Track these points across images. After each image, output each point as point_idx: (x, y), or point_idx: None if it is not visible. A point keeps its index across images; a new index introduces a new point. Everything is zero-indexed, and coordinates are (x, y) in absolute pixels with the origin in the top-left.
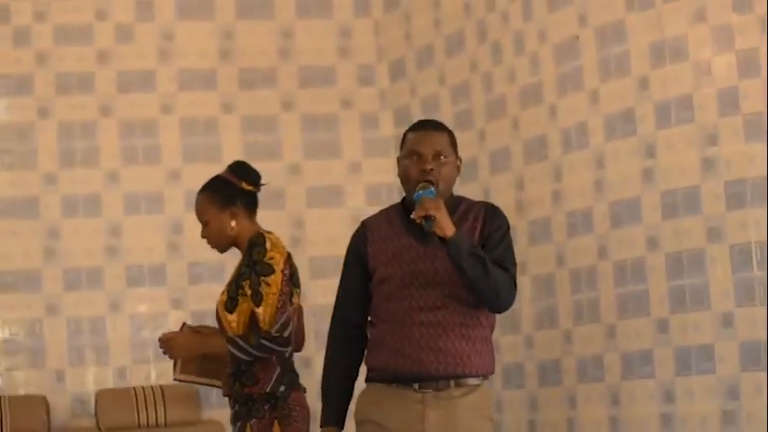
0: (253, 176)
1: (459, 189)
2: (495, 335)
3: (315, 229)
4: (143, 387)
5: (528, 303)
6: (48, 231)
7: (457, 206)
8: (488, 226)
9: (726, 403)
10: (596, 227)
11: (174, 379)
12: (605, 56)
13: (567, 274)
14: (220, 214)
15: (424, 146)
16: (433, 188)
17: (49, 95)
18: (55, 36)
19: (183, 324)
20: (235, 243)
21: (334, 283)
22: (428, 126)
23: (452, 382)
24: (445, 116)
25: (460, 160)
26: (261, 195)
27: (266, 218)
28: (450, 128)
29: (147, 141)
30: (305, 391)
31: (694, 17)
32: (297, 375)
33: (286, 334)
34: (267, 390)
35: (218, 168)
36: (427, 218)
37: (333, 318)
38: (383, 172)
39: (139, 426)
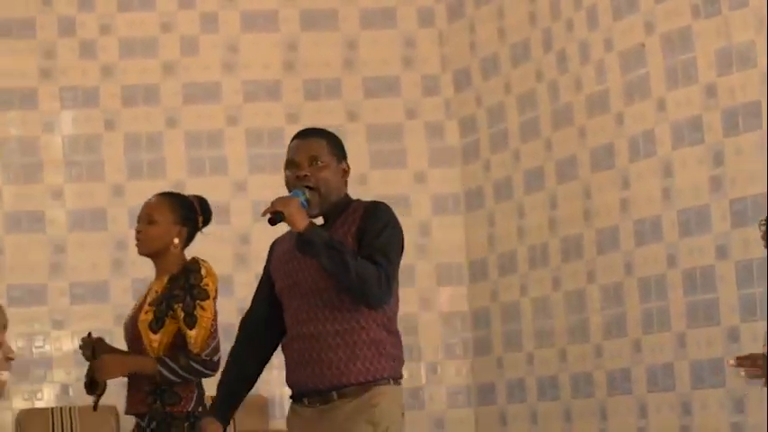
0: (208, 218)
1: (524, 198)
2: (566, 344)
3: None
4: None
5: (597, 313)
6: (115, 243)
7: (346, 208)
8: (364, 223)
9: None
10: (665, 235)
11: (96, 403)
12: (672, 63)
13: (635, 282)
14: (172, 225)
15: (299, 153)
16: (301, 191)
17: (115, 107)
18: (120, 49)
19: (90, 333)
20: (158, 256)
21: (401, 292)
22: (304, 134)
23: (335, 393)
24: (511, 125)
25: (347, 164)
26: None
27: None
28: (517, 137)
29: (212, 153)
30: None
31: (761, 24)
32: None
33: (216, 358)
34: (189, 409)
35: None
36: (275, 214)
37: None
38: (449, 181)
39: None
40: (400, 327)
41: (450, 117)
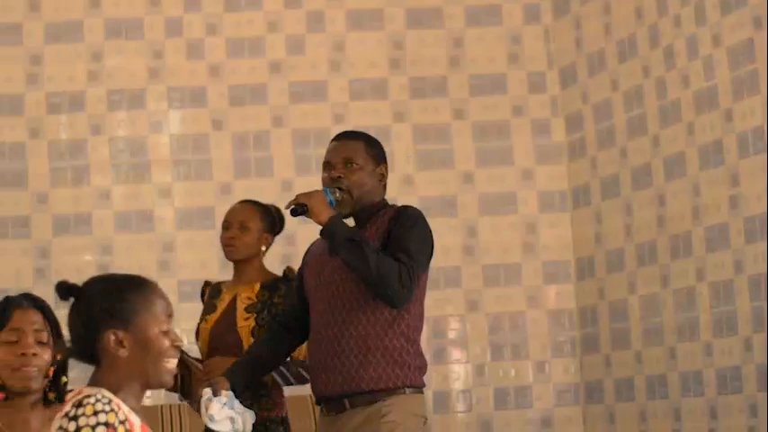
0: (282, 227)
1: (632, 195)
2: (675, 342)
3: (487, 237)
4: None
5: (706, 311)
6: None
7: (379, 211)
8: (392, 224)
9: None
10: None
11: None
12: None
13: (745, 280)
14: (262, 233)
15: (334, 155)
16: (331, 189)
17: (222, 107)
18: (228, 48)
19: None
20: (245, 262)
21: (508, 290)
22: (340, 136)
23: (346, 401)
24: (618, 122)
25: (385, 168)
26: (434, 203)
27: (439, 225)
28: (624, 134)
29: (319, 151)
30: None
31: None
32: None
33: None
34: (283, 414)
35: (389, 179)
36: (298, 206)
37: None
38: (556, 179)
39: None
40: (506, 324)
41: (557, 114)
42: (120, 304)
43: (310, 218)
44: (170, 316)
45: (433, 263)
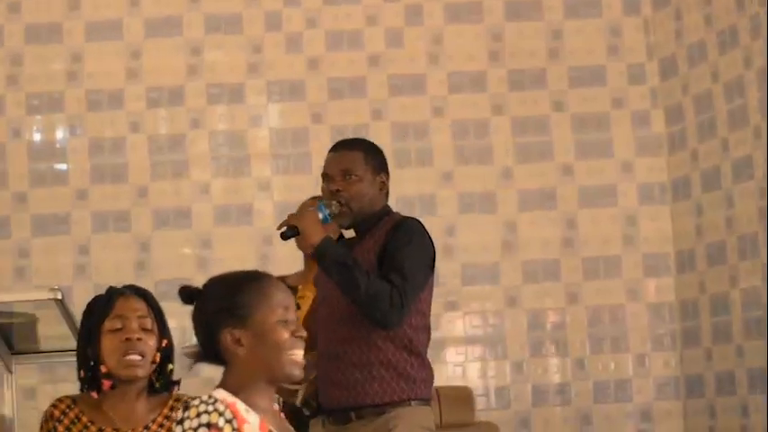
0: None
1: (733, 188)
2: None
3: (587, 229)
4: None
5: None
6: None
7: (378, 222)
8: (388, 239)
9: None
10: None
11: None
12: None
13: None
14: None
15: (332, 167)
16: (325, 204)
17: (321, 100)
18: (326, 42)
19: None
20: None
21: (607, 283)
22: (338, 146)
23: (352, 414)
24: (719, 113)
25: (386, 176)
26: (533, 196)
27: (538, 217)
28: (725, 125)
29: (418, 144)
30: None
31: None
32: None
33: None
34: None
35: (489, 171)
36: (289, 229)
37: None
38: (655, 171)
39: None
40: (606, 317)
41: (657, 106)
42: (235, 302)
43: (303, 239)
44: (288, 308)
45: (532, 255)
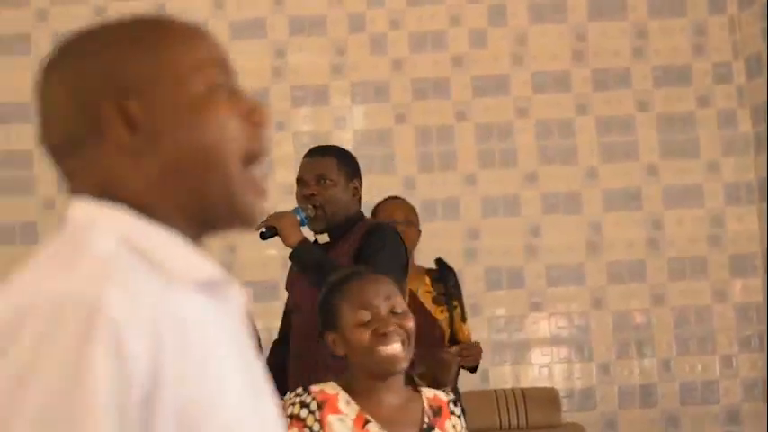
0: None
1: None
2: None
3: (672, 230)
4: (503, 390)
5: None
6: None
7: (352, 227)
8: (362, 244)
9: None
10: None
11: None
12: None
13: None
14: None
15: (307, 172)
16: (302, 207)
17: (405, 101)
18: (410, 43)
19: None
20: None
21: (693, 284)
22: (312, 152)
23: None
24: None
25: (359, 181)
26: (618, 196)
27: (624, 219)
28: None
29: (502, 145)
30: None
31: None
32: None
33: None
34: None
35: (573, 171)
36: (268, 229)
37: None
38: (742, 170)
39: (501, 428)
40: (692, 318)
41: (743, 105)
42: (327, 309)
43: (282, 240)
44: (365, 308)
45: (617, 256)
